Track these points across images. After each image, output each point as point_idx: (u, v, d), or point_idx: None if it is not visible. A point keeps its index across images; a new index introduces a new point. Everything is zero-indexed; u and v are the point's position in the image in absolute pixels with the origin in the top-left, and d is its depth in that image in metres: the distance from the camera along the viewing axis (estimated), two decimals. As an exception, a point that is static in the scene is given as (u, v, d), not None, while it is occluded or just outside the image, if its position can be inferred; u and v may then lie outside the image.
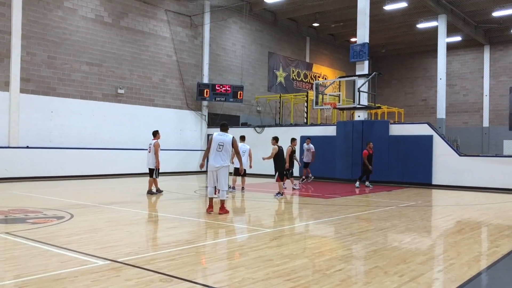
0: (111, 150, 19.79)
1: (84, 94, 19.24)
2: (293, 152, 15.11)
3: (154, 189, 13.27)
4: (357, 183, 16.88)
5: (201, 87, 23.40)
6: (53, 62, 18.21)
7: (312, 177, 18.02)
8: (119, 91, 20.40)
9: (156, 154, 13.04)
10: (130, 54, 20.90)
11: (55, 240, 6.53)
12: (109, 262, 5.34)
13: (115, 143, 20.16)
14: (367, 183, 16.95)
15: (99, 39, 19.74)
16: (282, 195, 12.95)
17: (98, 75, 19.69)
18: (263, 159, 14.04)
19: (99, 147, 19.48)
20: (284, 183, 14.59)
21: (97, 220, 8.51)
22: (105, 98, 19.96)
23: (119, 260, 5.43)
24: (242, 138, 14.87)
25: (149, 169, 13.22)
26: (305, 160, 17.80)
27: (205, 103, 24.28)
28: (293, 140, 15.48)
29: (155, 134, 13.45)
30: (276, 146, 13.20)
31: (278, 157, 13.16)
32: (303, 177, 17.98)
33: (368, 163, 16.48)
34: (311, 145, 17.83)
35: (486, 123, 32.12)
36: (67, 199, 11.64)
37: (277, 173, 13.10)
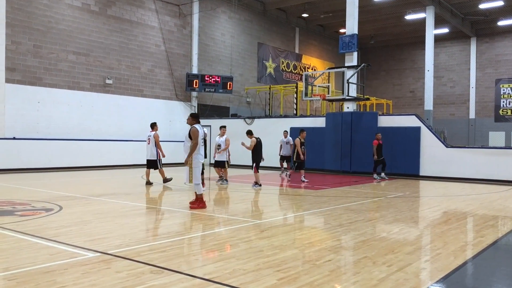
0: (99, 141, 19.65)
1: (71, 84, 19.03)
2: (302, 143, 15.04)
3: (151, 180, 13.44)
4: (375, 175, 16.70)
5: (190, 77, 23.28)
6: (39, 51, 17.96)
7: (289, 174, 16.52)
8: (107, 81, 20.22)
9: (158, 145, 13.38)
10: (118, 43, 20.69)
11: (44, 232, 6.49)
12: (99, 254, 5.34)
13: (103, 134, 20.01)
14: (382, 174, 16.83)
15: (86, 28, 19.49)
16: (260, 185, 13.13)
17: (85, 65, 19.48)
18: (243, 144, 13.85)
19: (86, 138, 19.32)
20: (289, 175, 15.76)
21: (86, 212, 8.47)
22: (92, 88, 19.76)
23: (109, 252, 5.42)
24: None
25: (149, 160, 13.49)
26: (283, 153, 17.24)
27: (194, 94, 24.18)
28: (301, 131, 15.42)
29: (153, 126, 13.75)
30: (254, 138, 13.43)
31: (256, 149, 13.43)
32: (283, 169, 17.71)
33: (378, 153, 16.39)
34: (290, 138, 17.35)
35: (472, 115, 32.47)
36: (55, 191, 11.56)
37: (254, 164, 13.35)
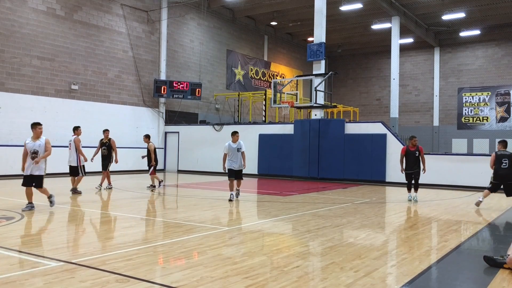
0: (64, 148, 19.13)
1: (35, 89, 18.52)
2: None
3: (78, 188, 12.96)
4: (408, 195, 12.70)
5: (158, 83, 23.06)
6: (1, 55, 17.42)
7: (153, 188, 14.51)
8: (73, 87, 19.79)
9: (78, 150, 12.93)
10: (84, 49, 20.30)
11: (4, 242, 6.27)
12: (62, 263, 5.19)
13: (69, 141, 19.49)
14: (413, 194, 12.56)
15: (51, 32, 19.05)
16: (155, 187, 14.31)
17: (50, 70, 19.01)
18: (142, 157, 15.13)
19: (51, 144, 18.76)
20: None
21: (49, 220, 8.23)
22: (57, 94, 19.30)
23: (73, 261, 5.28)
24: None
25: (71, 166, 12.95)
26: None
27: (162, 100, 23.94)
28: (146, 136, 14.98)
29: (75, 129, 13.31)
30: (152, 143, 14.58)
31: (155, 154, 14.55)
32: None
33: (411, 161, 12.21)
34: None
35: (436, 122, 33.37)
36: (17, 199, 11.19)
37: (152, 168, 14.31)
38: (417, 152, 12.32)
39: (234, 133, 11.85)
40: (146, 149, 14.84)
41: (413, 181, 12.51)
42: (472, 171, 16.45)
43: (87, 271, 4.92)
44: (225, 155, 11.72)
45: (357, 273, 5.07)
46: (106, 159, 14.04)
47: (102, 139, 14.36)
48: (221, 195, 13.13)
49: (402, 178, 17.63)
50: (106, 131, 14.39)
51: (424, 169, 12.43)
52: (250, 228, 8.04)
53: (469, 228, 8.54)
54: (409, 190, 12.67)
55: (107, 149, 14.06)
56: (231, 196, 11.66)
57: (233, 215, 9.95)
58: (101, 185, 13.99)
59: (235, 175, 11.78)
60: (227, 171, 11.79)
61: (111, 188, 14.17)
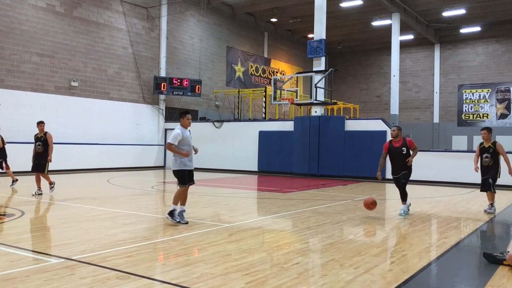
0: (64, 145, 19.17)
1: (35, 86, 18.51)
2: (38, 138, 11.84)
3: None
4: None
5: (158, 80, 23.04)
6: (0, 52, 17.40)
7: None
8: (73, 83, 19.77)
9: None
10: (84, 45, 20.27)
11: (4, 238, 6.28)
12: (62, 260, 5.19)
13: (68, 138, 19.54)
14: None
15: (51, 29, 19.02)
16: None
17: (50, 66, 18.99)
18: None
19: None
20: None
21: (49, 217, 8.24)
22: (57, 90, 19.28)
23: (73, 258, 5.28)
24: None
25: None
26: None
27: (162, 97, 23.93)
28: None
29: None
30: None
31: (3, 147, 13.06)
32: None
33: (397, 161, 9.36)
34: None
35: (436, 119, 33.35)
36: (17, 196, 11.21)
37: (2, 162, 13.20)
38: (403, 148, 9.16)
39: (185, 114, 8.15)
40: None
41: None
42: (472, 168, 16.41)
43: (88, 267, 4.93)
44: (174, 148, 7.71)
45: (357, 269, 5.08)
46: (42, 158, 11.46)
47: (36, 134, 11.75)
48: (221, 192, 13.14)
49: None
50: (40, 124, 11.78)
51: (409, 162, 9.09)
52: (250, 225, 8.04)
53: (469, 225, 8.55)
54: (403, 200, 9.35)
55: (43, 145, 11.48)
56: (180, 217, 7.74)
57: (233, 212, 9.95)
58: (39, 188, 11.54)
59: (191, 178, 7.98)
60: (177, 175, 7.86)
61: (41, 194, 11.43)
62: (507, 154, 9.78)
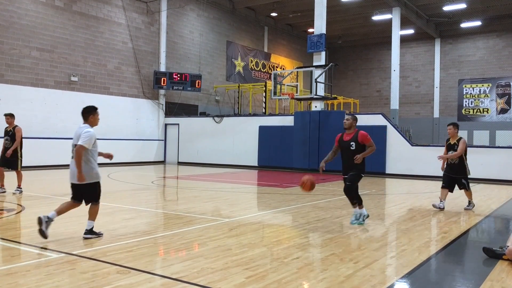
0: (64, 140, 19.16)
1: (34, 81, 18.49)
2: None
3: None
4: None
5: (158, 75, 23.00)
6: (0, 47, 17.37)
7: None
8: (72, 78, 19.74)
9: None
10: (84, 40, 20.22)
11: (5, 233, 6.29)
12: (63, 255, 5.21)
13: (68, 132, 19.48)
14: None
15: (50, 23, 18.97)
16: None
17: (49, 61, 18.96)
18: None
19: (51, 136, 18.82)
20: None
21: (49, 212, 8.24)
22: (57, 85, 19.26)
23: (74, 252, 5.30)
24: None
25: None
26: None
27: (162, 91, 23.90)
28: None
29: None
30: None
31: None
32: None
33: (345, 158, 7.83)
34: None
35: (436, 114, 33.33)
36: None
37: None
38: (352, 143, 7.51)
39: (95, 110, 7.06)
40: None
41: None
42: (472, 162, 16.18)
43: (88, 262, 4.95)
44: (83, 154, 6.62)
45: (356, 264, 5.09)
46: (12, 154, 10.46)
47: (6, 127, 10.73)
48: (221, 187, 13.15)
49: (402, 170, 17.72)
50: (8, 116, 10.69)
51: (356, 159, 7.39)
52: (250, 219, 8.06)
53: (469, 220, 8.56)
54: (352, 204, 7.75)
55: (11, 140, 10.52)
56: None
57: (233, 206, 9.97)
58: (20, 186, 10.83)
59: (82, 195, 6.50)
60: (96, 189, 6.60)
61: (5, 192, 10.78)
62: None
